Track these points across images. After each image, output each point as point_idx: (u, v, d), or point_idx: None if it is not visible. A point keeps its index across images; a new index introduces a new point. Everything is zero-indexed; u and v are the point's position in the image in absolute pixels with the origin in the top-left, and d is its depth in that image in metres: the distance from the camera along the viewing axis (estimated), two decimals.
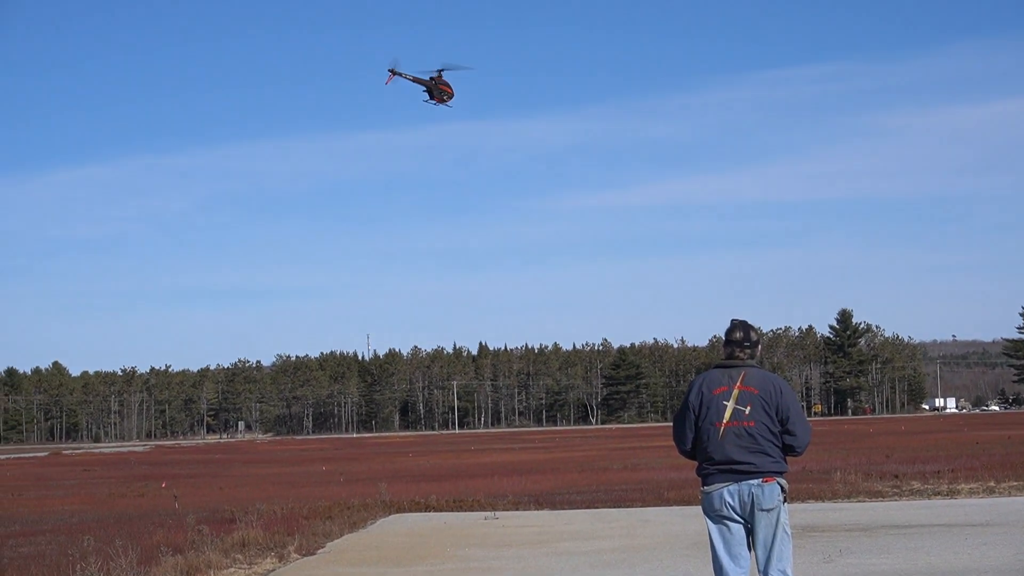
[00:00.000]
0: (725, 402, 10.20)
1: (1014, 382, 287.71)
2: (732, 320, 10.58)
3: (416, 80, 48.48)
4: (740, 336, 10.41)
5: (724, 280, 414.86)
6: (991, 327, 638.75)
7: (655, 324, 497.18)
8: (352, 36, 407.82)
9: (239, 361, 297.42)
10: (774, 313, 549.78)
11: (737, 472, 10.17)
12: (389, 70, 48.88)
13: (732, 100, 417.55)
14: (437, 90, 48.51)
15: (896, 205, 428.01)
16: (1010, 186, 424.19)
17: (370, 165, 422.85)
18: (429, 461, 78.98)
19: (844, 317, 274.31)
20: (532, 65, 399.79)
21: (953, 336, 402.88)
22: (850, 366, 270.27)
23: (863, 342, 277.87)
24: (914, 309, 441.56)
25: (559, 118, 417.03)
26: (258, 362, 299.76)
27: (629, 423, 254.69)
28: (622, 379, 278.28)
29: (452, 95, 48.70)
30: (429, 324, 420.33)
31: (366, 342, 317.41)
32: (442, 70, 48.37)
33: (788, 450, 10.38)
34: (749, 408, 10.15)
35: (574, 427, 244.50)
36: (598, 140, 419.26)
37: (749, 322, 10.49)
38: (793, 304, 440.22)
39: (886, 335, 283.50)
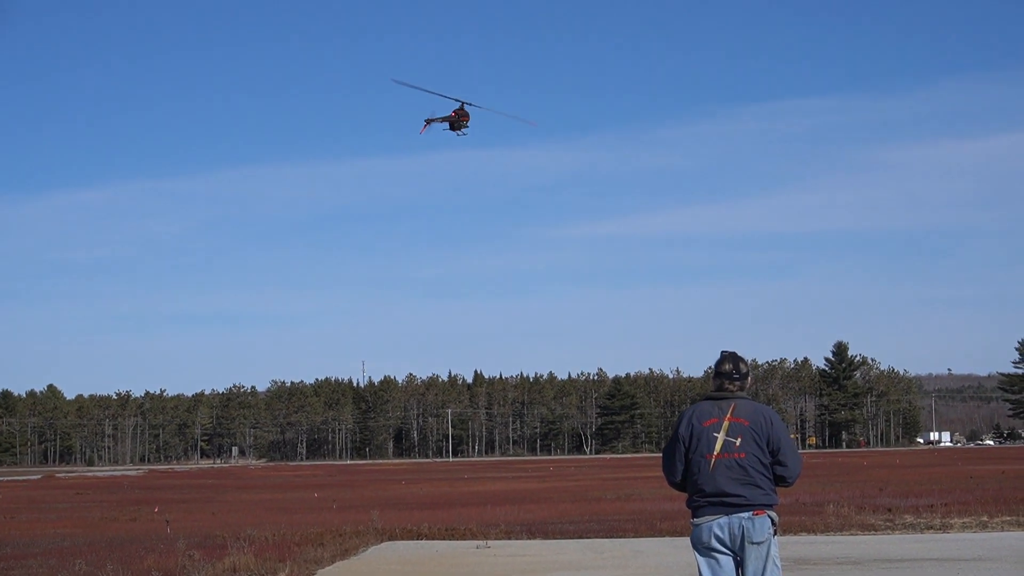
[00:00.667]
0: (715, 434, 10.20)
1: (1009, 416, 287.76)
2: (722, 352, 10.59)
3: (445, 119, 48.67)
4: (730, 368, 10.43)
5: (720, 311, 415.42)
6: (987, 361, 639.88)
7: (650, 354, 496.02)
8: (349, 62, 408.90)
9: (234, 386, 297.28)
10: (770, 345, 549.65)
11: (728, 505, 10.17)
12: (425, 120, 49.11)
13: (731, 131, 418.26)
14: (459, 123, 48.69)
15: (894, 238, 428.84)
16: (1007, 220, 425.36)
17: (367, 192, 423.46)
18: (422, 489, 78.89)
19: (840, 350, 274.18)
20: (530, 94, 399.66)
21: (949, 370, 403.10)
22: (845, 399, 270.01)
23: (858, 375, 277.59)
24: (910, 342, 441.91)
25: (558, 147, 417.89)
26: (253, 387, 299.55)
27: (623, 453, 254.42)
28: (617, 409, 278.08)
29: (469, 122, 49.07)
30: (424, 351, 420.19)
31: (361, 369, 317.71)
32: (464, 103, 48.49)
33: (779, 481, 10.38)
34: (740, 440, 10.16)
35: (568, 456, 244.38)
36: (596, 169, 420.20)
37: (739, 354, 10.50)
38: (789, 336, 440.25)
39: (882, 368, 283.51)
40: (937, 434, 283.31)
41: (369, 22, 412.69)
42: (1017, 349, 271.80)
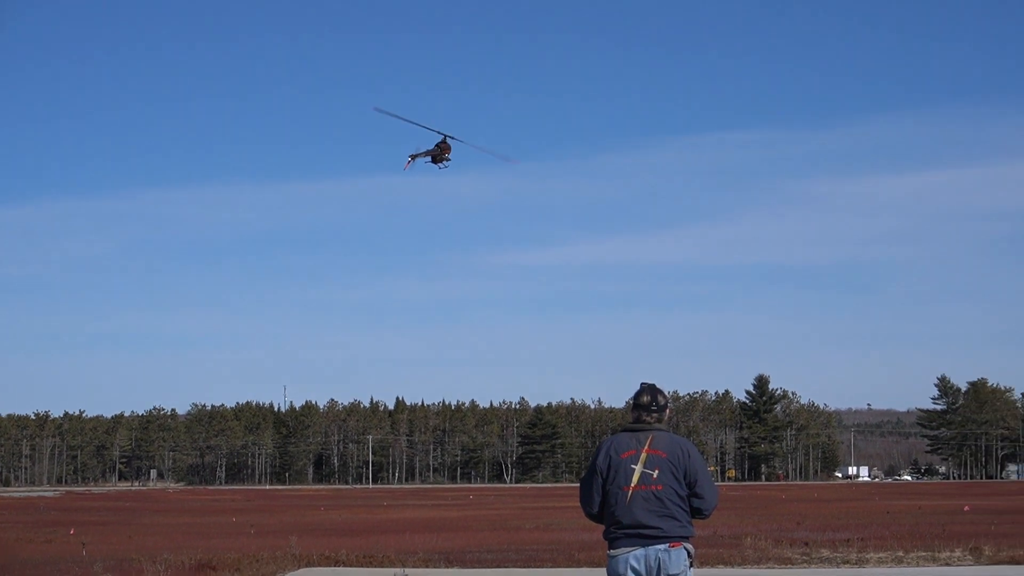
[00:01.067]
0: (633, 465, 10.25)
1: (927, 452, 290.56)
2: (642, 384, 10.65)
3: (428, 153, 48.39)
4: (647, 400, 10.49)
5: (643, 342, 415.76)
6: (906, 397, 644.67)
7: (572, 384, 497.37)
8: (274, 83, 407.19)
9: (154, 409, 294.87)
10: (692, 377, 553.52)
11: (644, 536, 10.21)
12: (409, 156, 48.82)
13: (658, 163, 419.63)
14: (442, 156, 48.45)
15: (817, 273, 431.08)
16: (929, 257, 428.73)
17: (292, 215, 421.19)
18: (341, 515, 78.59)
19: (761, 383, 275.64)
20: (461, 121, 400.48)
21: (868, 405, 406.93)
22: (765, 432, 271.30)
23: (779, 408, 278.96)
24: (830, 377, 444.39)
25: (484, 175, 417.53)
26: (173, 410, 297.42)
27: (544, 483, 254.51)
28: (538, 438, 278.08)
29: (450, 154, 48.77)
30: (346, 377, 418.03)
31: (283, 393, 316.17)
32: (446, 136, 48.23)
33: (696, 513, 10.44)
34: (657, 472, 10.21)
35: (488, 485, 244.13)
36: (522, 198, 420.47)
37: (657, 386, 10.57)
38: (711, 368, 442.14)
39: (802, 402, 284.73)
40: (855, 469, 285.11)
41: (292, 41, 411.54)
42: (936, 385, 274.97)
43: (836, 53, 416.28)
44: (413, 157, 48.29)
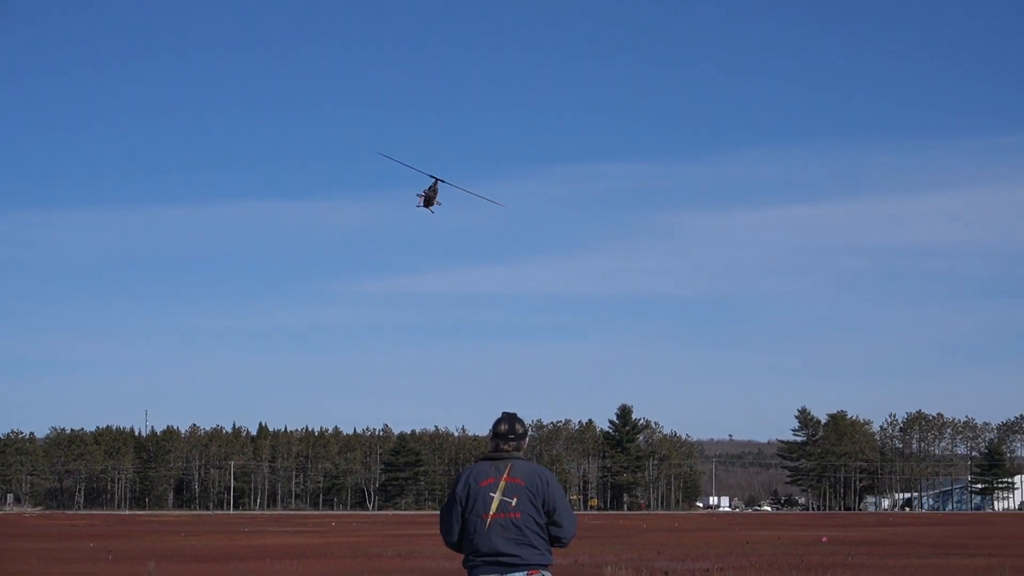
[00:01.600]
0: (492, 494, 10.30)
1: (787, 483, 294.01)
2: (503, 413, 10.72)
3: (427, 194, 47.71)
4: (505, 428, 10.55)
5: (508, 370, 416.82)
6: (767, 428, 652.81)
7: (437, 412, 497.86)
8: (140, 108, 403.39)
9: (12, 432, 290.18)
10: (557, 406, 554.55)
11: (503, 564, 10.26)
12: (418, 195, 48.21)
13: (526, 193, 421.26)
14: (433, 199, 47.88)
15: (682, 304, 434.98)
16: (791, 291, 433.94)
17: (154, 239, 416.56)
18: (201, 541, 77.78)
19: (624, 413, 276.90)
20: (329, 146, 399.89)
21: (730, 436, 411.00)
22: (628, 461, 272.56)
23: (642, 438, 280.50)
24: (693, 408, 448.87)
25: (351, 201, 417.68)
26: (31, 433, 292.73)
27: (406, 510, 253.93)
28: (401, 465, 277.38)
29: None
30: (209, 402, 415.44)
31: (144, 418, 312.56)
32: (437, 179, 47.62)
33: (555, 541, 10.51)
34: (515, 500, 10.27)
35: (351, 512, 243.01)
36: (390, 225, 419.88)
37: (517, 415, 10.64)
38: (576, 397, 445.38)
39: (664, 432, 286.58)
40: (716, 499, 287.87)
41: (157, 61, 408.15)
42: (796, 417, 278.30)
43: (702, 87, 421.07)
44: (426, 196, 47.62)
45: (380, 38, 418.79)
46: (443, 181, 45.92)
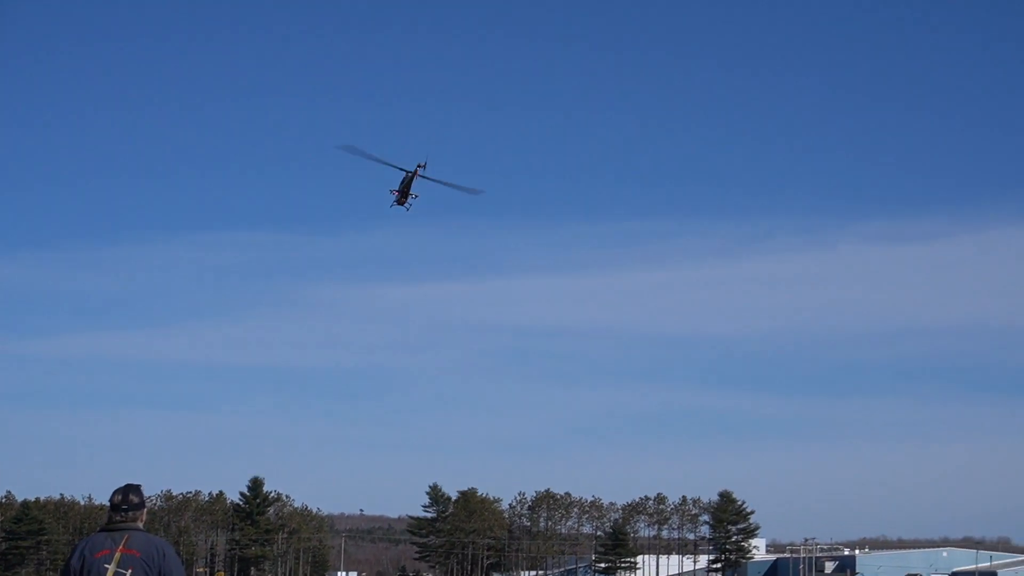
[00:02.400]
0: (107, 565, 10.23)
1: (415, 559, 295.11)
2: (126, 484, 10.66)
3: (397, 192, 45.59)
4: (119, 499, 10.53)
5: (142, 439, 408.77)
6: (398, 504, 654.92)
7: (61, 479, 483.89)
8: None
9: None
10: (188, 476, 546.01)
11: None
12: (392, 191, 46.02)
13: (163, 259, 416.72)
14: (407, 195, 45.86)
15: (315, 377, 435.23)
16: (427, 366, 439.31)
17: None
18: None
19: (255, 485, 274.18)
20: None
21: (361, 510, 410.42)
22: (257, 534, 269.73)
23: (272, 511, 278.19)
24: (325, 481, 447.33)
25: None
26: None
27: None
28: (23, 534, 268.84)
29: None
30: None
31: None
32: (414, 172, 45.52)
33: None
34: (130, 571, 10.22)
35: None
36: (32, 287, 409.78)
37: (134, 485, 10.63)
38: (207, 468, 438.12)
39: (295, 505, 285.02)
40: (345, 574, 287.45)
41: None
42: (427, 493, 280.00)
43: (330, 165, 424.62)
44: (402, 192, 45.81)
45: None
46: (421, 174, 44.49)
